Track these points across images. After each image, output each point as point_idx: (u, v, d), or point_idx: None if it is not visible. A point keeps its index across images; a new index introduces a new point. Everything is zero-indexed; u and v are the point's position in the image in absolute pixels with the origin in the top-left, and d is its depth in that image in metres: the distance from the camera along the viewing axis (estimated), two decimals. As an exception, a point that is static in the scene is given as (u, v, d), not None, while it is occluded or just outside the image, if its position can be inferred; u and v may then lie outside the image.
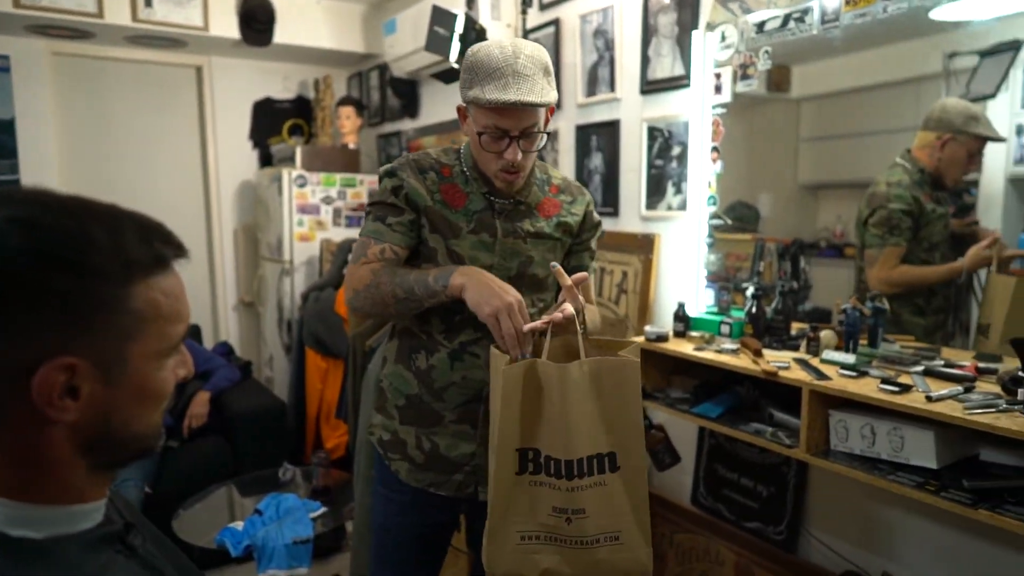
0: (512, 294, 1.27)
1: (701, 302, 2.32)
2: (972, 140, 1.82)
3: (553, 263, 1.33)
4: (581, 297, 1.31)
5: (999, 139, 1.77)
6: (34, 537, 0.63)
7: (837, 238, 2.23)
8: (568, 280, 1.30)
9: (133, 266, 0.64)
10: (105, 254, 0.62)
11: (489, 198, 1.44)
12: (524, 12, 2.75)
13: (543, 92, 1.29)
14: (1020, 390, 1.37)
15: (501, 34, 2.93)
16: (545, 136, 1.39)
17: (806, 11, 1.94)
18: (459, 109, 1.41)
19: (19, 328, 0.59)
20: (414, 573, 1.57)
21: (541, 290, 1.51)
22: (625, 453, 1.19)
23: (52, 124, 3.87)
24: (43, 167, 3.81)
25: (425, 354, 1.45)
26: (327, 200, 4.04)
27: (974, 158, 1.85)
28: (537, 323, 1.26)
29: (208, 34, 3.74)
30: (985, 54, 1.76)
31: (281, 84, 4.54)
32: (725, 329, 2.11)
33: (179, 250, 0.70)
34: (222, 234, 4.46)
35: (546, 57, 1.33)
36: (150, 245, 0.66)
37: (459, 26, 2.55)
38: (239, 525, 2.33)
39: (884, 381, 1.57)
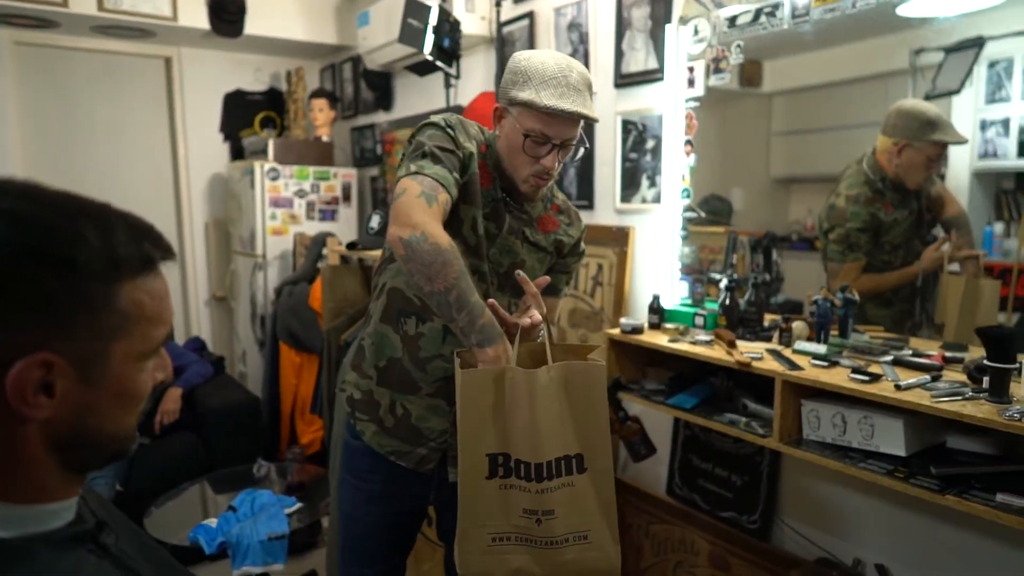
0: (506, 358, 1.22)
1: (676, 294, 2.33)
2: (930, 146, 1.85)
3: (518, 271, 1.33)
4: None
5: (958, 142, 1.80)
6: (2, 536, 0.62)
7: (808, 231, 2.27)
8: (533, 287, 1.31)
9: (122, 265, 0.64)
10: (94, 252, 0.62)
11: (503, 197, 1.46)
12: (499, 5, 2.74)
13: (592, 108, 1.36)
14: (985, 378, 1.41)
15: (476, 27, 2.92)
16: (583, 150, 1.45)
17: (777, 6, 1.96)
18: (497, 109, 1.42)
19: None
20: (383, 563, 1.57)
21: (522, 294, 1.52)
22: (592, 454, 1.21)
23: (14, 115, 3.78)
24: (4, 159, 3.72)
25: (416, 320, 1.43)
26: (300, 193, 4.00)
27: (934, 162, 1.87)
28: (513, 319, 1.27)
29: (177, 24, 3.68)
30: (950, 50, 1.80)
31: (253, 76, 4.47)
32: (699, 321, 2.14)
33: (167, 252, 0.70)
34: (192, 228, 4.39)
35: (590, 78, 1.39)
36: (140, 245, 0.66)
37: (433, 18, 2.53)
38: (213, 522, 2.30)
39: (854, 371, 1.60)
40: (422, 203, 1.25)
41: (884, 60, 1.98)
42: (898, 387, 1.47)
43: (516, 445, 1.20)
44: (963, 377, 1.52)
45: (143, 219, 0.69)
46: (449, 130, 1.36)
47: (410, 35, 2.54)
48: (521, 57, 1.37)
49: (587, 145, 1.46)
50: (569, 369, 1.21)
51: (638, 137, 2.44)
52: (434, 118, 1.40)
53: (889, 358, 1.70)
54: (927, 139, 1.84)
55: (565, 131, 1.35)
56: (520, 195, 1.47)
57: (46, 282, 0.59)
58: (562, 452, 1.20)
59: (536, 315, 1.29)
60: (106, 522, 0.74)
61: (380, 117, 4.04)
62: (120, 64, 4.10)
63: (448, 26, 2.54)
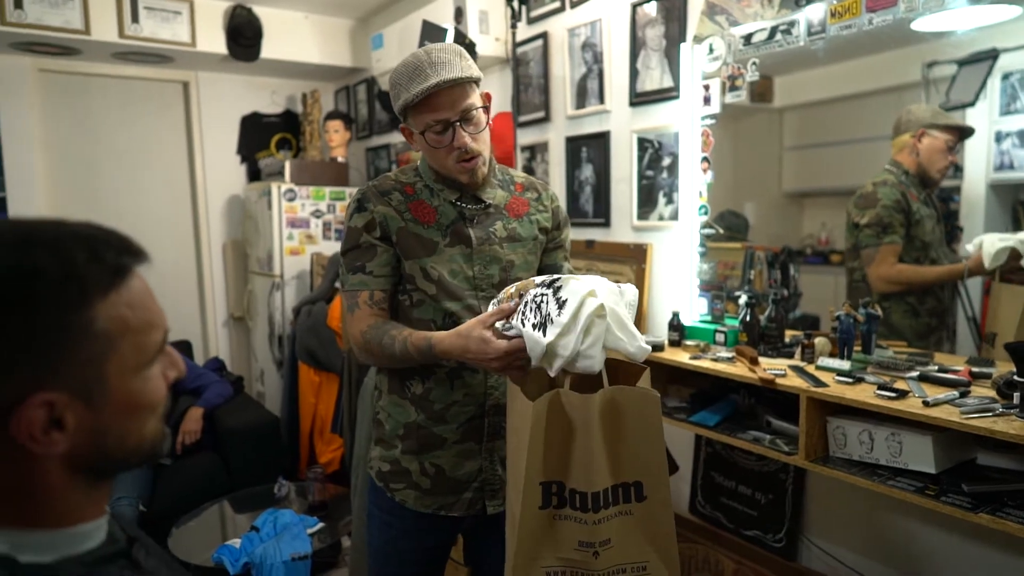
0: (492, 350, 1.20)
1: (694, 311, 2.33)
2: (945, 132, 1.89)
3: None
4: None
5: (969, 129, 1.84)
6: (42, 562, 0.63)
7: (822, 245, 2.26)
8: None
9: (88, 287, 0.61)
10: (55, 282, 0.59)
11: (459, 205, 1.43)
12: (513, 27, 2.77)
13: (463, 69, 1.31)
14: (1015, 394, 1.39)
15: (491, 48, 2.95)
16: (485, 116, 1.39)
17: (792, 23, 1.97)
18: (403, 130, 1.41)
19: None
20: None
21: None
22: (652, 483, 1.17)
23: (38, 141, 3.84)
24: (29, 184, 3.78)
25: (420, 379, 1.42)
26: (317, 213, 4.03)
27: (952, 150, 1.90)
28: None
29: (195, 49, 3.74)
30: (963, 63, 1.80)
31: (269, 98, 4.53)
32: (720, 338, 2.13)
33: (138, 256, 0.66)
34: (211, 249, 4.43)
35: (458, 47, 1.36)
36: (102, 261, 0.62)
37: (448, 40, 2.56)
38: (236, 543, 2.31)
39: (881, 387, 1.59)
40: (349, 317, 1.43)
41: (896, 73, 1.99)
42: (926, 403, 1.46)
43: (570, 473, 1.16)
44: (992, 393, 1.51)
45: (102, 227, 0.66)
46: (356, 216, 1.39)
47: (427, 57, 2.57)
48: (392, 74, 1.37)
49: (488, 104, 1.39)
50: (624, 394, 1.17)
51: (654, 155, 2.45)
52: (350, 202, 1.43)
53: (915, 374, 1.68)
54: (941, 123, 1.89)
55: (454, 106, 1.31)
56: (467, 187, 1.43)
57: (18, 325, 0.58)
58: (619, 479, 1.16)
59: None
60: (136, 538, 0.75)
61: (395, 137, 4.08)
62: (139, 89, 4.17)
63: (464, 48, 2.57)
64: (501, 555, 1.54)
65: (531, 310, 1.15)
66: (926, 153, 1.92)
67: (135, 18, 3.54)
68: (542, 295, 1.15)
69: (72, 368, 0.61)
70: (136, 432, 0.68)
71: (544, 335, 1.10)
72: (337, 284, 1.44)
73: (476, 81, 1.35)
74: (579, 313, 1.09)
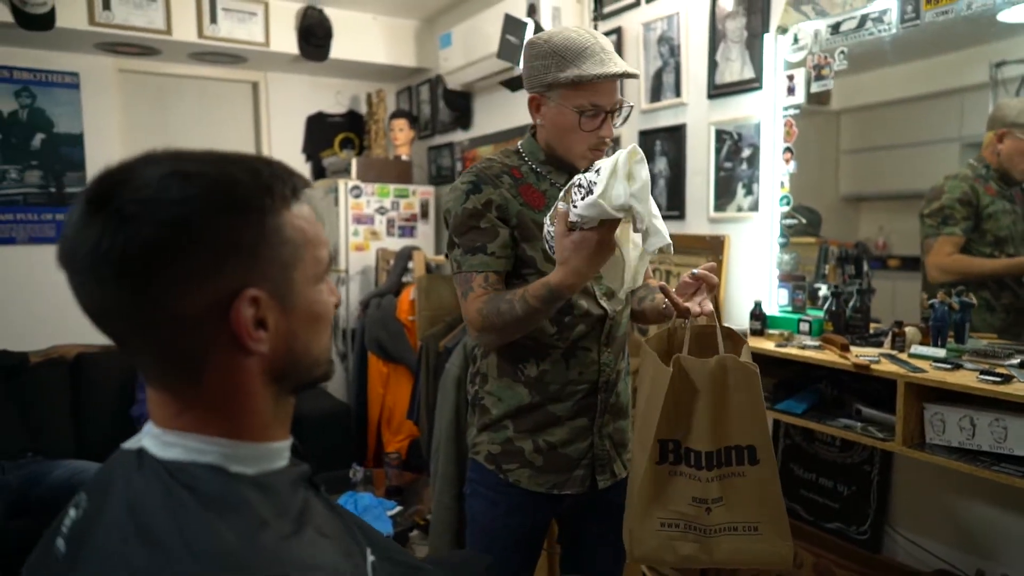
0: (584, 242, 1.17)
1: (774, 302, 2.33)
2: None
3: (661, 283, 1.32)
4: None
5: None
6: (248, 473, 0.66)
7: (880, 249, 2.22)
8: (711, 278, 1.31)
9: (276, 198, 0.66)
10: (252, 190, 0.65)
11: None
12: (595, 20, 2.80)
13: (629, 65, 1.34)
14: None
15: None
16: (629, 108, 1.41)
17: (884, 11, 1.96)
18: (533, 99, 1.39)
19: (202, 272, 0.62)
20: (518, 572, 1.56)
21: None
22: (763, 448, 1.21)
23: (117, 138, 3.99)
24: (109, 180, 3.92)
25: (535, 361, 1.43)
26: (381, 210, 4.11)
27: None
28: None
29: (268, 49, 3.85)
30: None
31: (333, 99, 4.63)
32: (804, 327, 2.12)
33: (304, 180, 0.72)
34: (276, 245, 4.54)
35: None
36: (282, 177, 0.68)
37: (528, 34, 2.61)
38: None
39: (983, 372, 1.57)
40: (463, 303, 1.38)
41: (959, 75, 1.96)
42: (1035, 387, 1.45)
43: (687, 432, 1.22)
44: (1103, 378, 1.48)
45: (269, 157, 0.72)
46: (473, 197, 1.36)
47: (508, 51, 2.62)
48: (541, 40, 1.34)
49: (631, 104, 1.42)
50: (731, 363, 1.21)
51: (733, 146, 2.45)
52: (452, 198, 1.39)
53: (1015, 361, 1.66)
54: None
55: (613, 96, 1.34)
56: (575, 172, 1.42)
57: (229, 227, 0.63)
58: (733, 442, 1.21)
59: (708, 305, 1.29)
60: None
61: (458, 136, 4.14)
62: (212, 89, 4.31)
63: (542, 42, 2.62)
64: (599, 532, 1.58)
65: (576, 193, 1.15)
66: (1007, 154, 1.86)
67: (213, 19, 3.66)
68: (579, 178, 1.17)
69: (271, 269, 0.65)
70: (317, 342, 0.72)
71: (592, 194, 1.11)
72: (458, 290, 1.41)
73: None
74: (616, 164, 1.10)
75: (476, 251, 1.37)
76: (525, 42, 1.41)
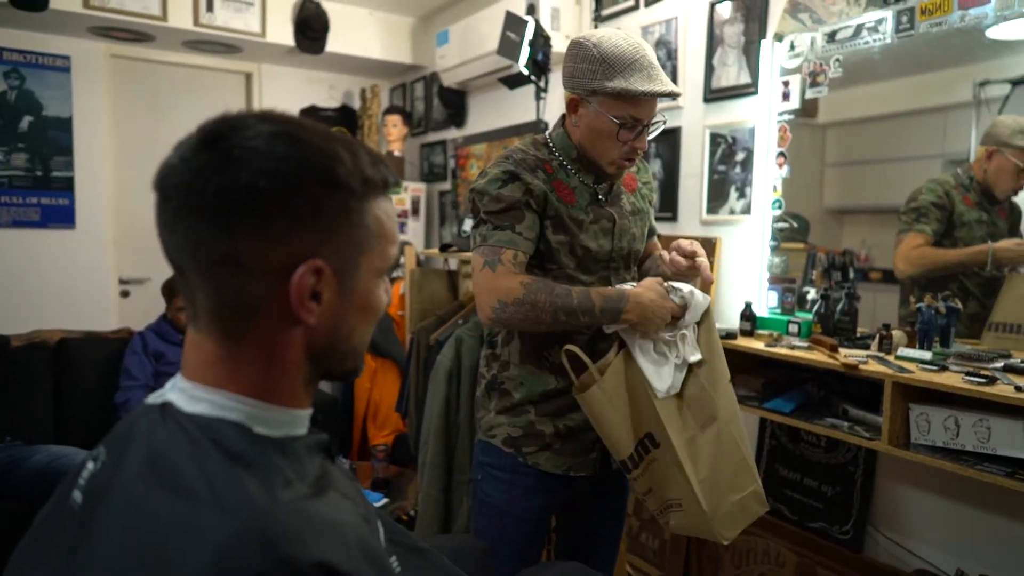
0: (669, 309, 1.41)
1: (764, 303, 2.36)
2: (1019, 153, 1.86)
3: (662, 253, 1.43)
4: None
5: None
6: (270, 435, 0.68)
7: (862, 262, 2.26)
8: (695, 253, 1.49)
9: (368, 184, 0.69)
10: (349, 170, 0.67)
11: (592, 186, 1.48)
12: (594, 22, 2.83)
13: (672, 82, 1.39)
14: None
15: (562, 44, 3.01)
16: (664, 123, 1.47)
17: (880, 20, 2.00)
18: (573, 100, 1.43)
19: (282, 229, 0.64)
20: (527, 554, 1.57)
21: (634, 263, 1.59)
22: (659, 431, 1.43)
23: (106, 124, 3.95)
24: (97, 164, 3.89)
25: (559, 350, 1.45)
26: (372, 205, 4.10)
27: (1023, 173, 1.88)
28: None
29: (264, 40, 3.84)
30: (1018, 82, 1.80)
31: (326, 93, 4.63)
32: (793, 328, 2.15)
33: (396, 180, 0.76)
34: (264, 237, 4.51)
35: None
36: (378, 168, 0.71)
37: (529, 32, 2.63)
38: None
39: (969, 374, 1.61)
40: (487, 273, 1.37)
41: (944, 93, 1.99)
42: (1019, 388, 1.48)
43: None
44: (1084, 381, 1.52)
45: (375, 149, 0.75)
46: (512, 184, 1.38)
47: (508, 48, 2.64)
48: (590, 43, 1.36)
49: (665, 119, 1.48)
50: (619, 362, 1.46)
51: (727, 150, 2.49)
52: (486, 181, 1.41)
53: (999, 364, 1.70)
54: (1016, 145, 1.86)
55: (652, 111, 1.39)
56: (605, 176, 1.48)
57: (318, 196, 0.66)
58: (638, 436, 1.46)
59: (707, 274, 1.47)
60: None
61: (451, 133, 4.15)
62: (204, 79, 4.28)
63: (542, 40, 2.64)
64: (600, 515, 1.66)
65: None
66: (993, 171, 1.89)
67: (210, 7, 3.65)
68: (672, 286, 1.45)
69: (341, 246, 0.67)
70: (360, 332, 0.73)
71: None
72: (473, 263, 1.45)
73: None
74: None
75: (505, 228, 1.39)
76: (571, 40, 1.43)
